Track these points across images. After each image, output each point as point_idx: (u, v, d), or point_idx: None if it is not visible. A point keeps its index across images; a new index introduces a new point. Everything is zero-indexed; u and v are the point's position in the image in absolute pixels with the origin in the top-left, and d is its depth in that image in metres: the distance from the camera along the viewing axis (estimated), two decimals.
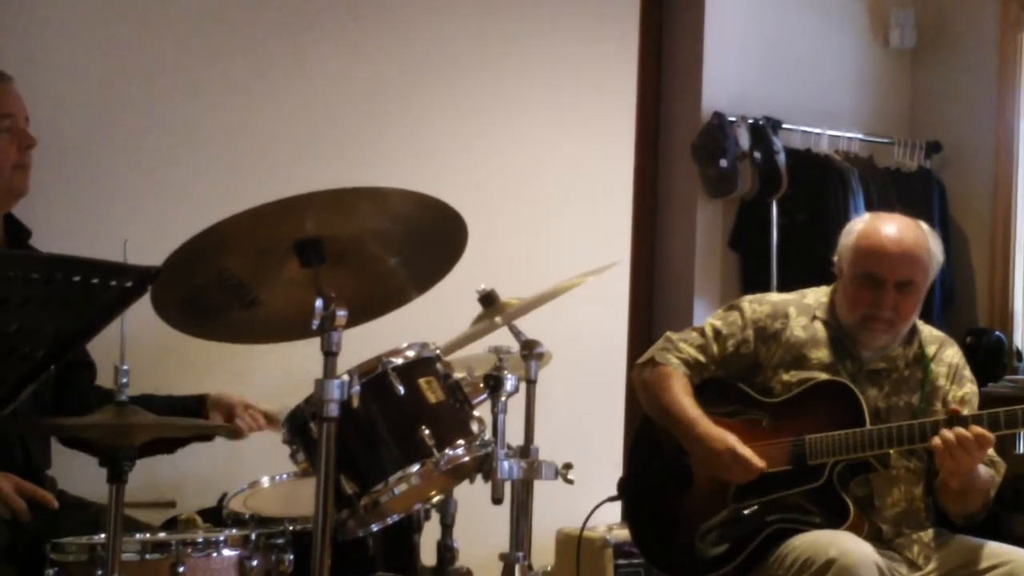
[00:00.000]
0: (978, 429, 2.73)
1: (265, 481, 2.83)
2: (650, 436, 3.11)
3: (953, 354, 3.08)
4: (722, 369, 3.09)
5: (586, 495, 3.29)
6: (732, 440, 2.89)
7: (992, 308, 5.04)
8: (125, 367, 2.17)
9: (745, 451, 2.87)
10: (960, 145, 5.19)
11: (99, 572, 2.21)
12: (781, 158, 4.77)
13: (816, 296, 3.12)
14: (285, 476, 2.84)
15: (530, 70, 4.38)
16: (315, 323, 2.20)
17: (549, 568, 3.90)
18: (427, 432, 2.45)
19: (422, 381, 2.53)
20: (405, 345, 2.56)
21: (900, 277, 2.94)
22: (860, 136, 5.08)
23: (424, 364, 2.56)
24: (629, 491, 3.20)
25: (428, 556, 2.90)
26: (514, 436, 2.64)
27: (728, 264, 4.88)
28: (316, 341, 2.24)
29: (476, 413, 2.60)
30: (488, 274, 2.87)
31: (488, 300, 2.86)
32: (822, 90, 5.12)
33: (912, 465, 2.97)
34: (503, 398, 2.64)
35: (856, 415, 2.88)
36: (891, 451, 2.86)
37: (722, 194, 4.79)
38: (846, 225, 3.12)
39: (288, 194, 2.21)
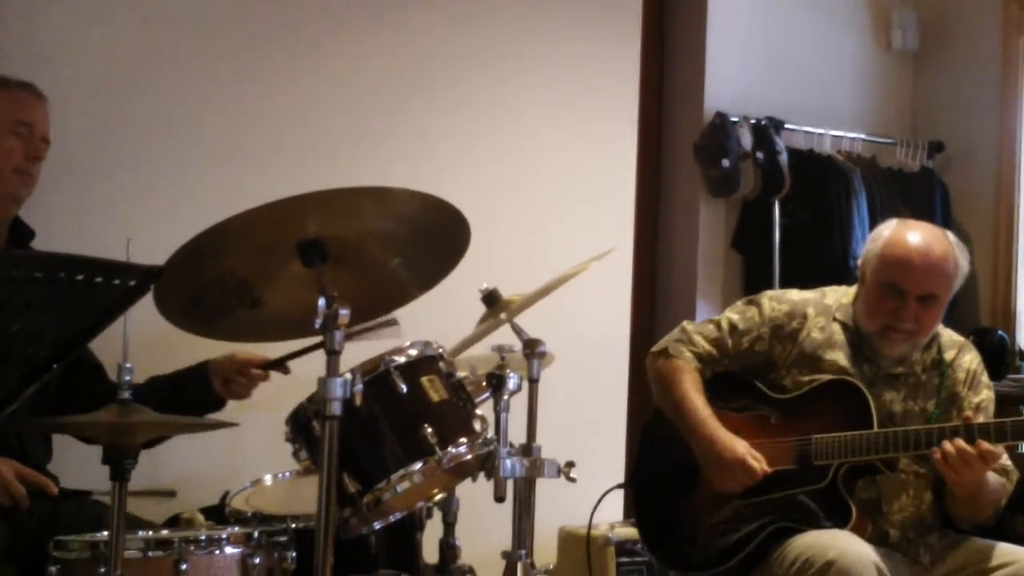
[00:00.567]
0: (985, 446, 2.70)
1: (268, 479, 2.84)
2: (661, 430, 3.09)
3: (971, 360, 3.03)
4: (736, 364, 3.07)
5: (588, 493, 3.30)
6: (741, 449, 2.88)
7: (995, 308, 5.04)
8: (128, 366, 2.18)
9: (752, 462, 2.86)
10: (963, 145, 5.20)
11: (102, 569, 2.21)
12: (783, 158, 4.77)
13: (836, 297, 3.08)
14: (288, 474, 2.85)
15: (532, 71, 4.38)
16: (318, 322, 2.20)
17: (551, 566, 3.92)
18: (429, 430, 2.45)
19: (424, 379, 2.53)
20: (408, 344, 2.56)
21: (924, 291, 2.89)
22: (863, 136, 5.08)
23: (426, 362, 2.56)
24: (638, 483, 3.19)
25: (430, 554, 2.90)
26: (516, 434, 2.65)
27: (730, 264, 4.88)
28: (319, 339, 2.24)
29: (479, 411, 2.61)
30: (490, 273, 2.86)
31: (491, 299, 2.86)
32: (825, 90, 5.12)
33: (923, 470, 2.93)
34: (506, 396, 2.64)
35: (864, 416, 2.86)
36: (897, 456, 2.84)
37: (724, 194, 4.79)
38: (873, 229, 3.07)
39: (291, 193, 2.21)
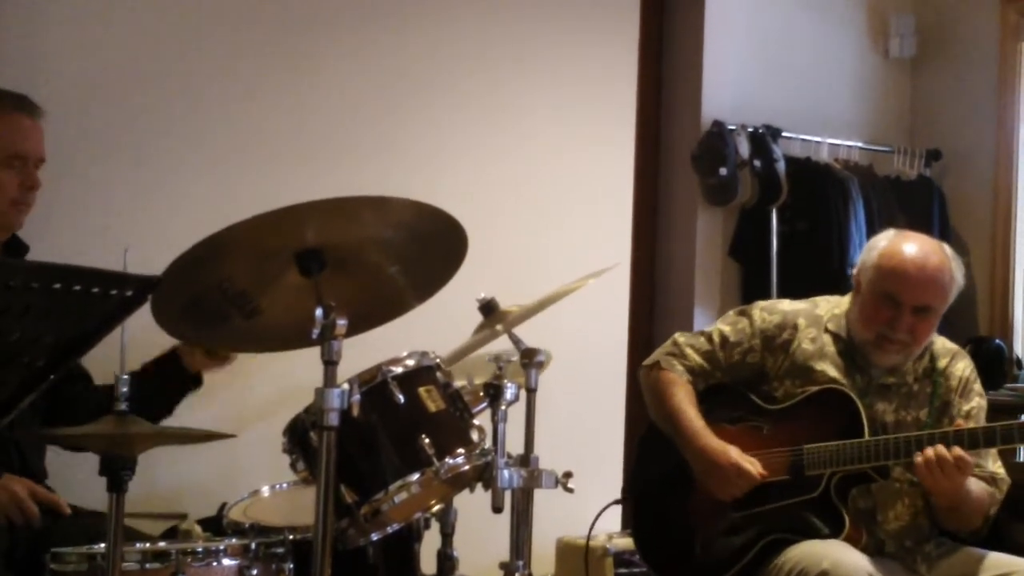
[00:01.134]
0: (958, 451, 2.70)
1: (265, 490, 2.83)
2: (656, 443, 3.10)
3: (964, 367, 3.03)
4: (729, 376, 3.08)
5: (586, 504, 3.29)
6: (734, 455, 2.88)
7: (992, 316, 5.04)
8: (125, 376, 2.17)
9: (747, 466, 2.86)
10: (960, 153, 5.20)
11: None
12: (781, 166, 4.77)
13: (828, 307, 3.08)
14: (285, 485, 2.83)
15: (530, 78, 4.39)
16: (315, 332, 2.20)
17: None
18: (427, 441, 2.44)
19: (422, 390, 2.53)
20: (405, 354, 2.55)
21: (919, 302, 2.89)
22: (860, 144, 5.09)
23: (424, 373, 2.56)
24: (635, 493, 3.19)
25: (428, 565, 2.89)
26: (514, 445, 2.64)
27: (728, 272, 4.88)
28: (316, 350, 2.23)
29: (476, 422, 2.60)
30: (488, 282, 2.86)
31: (488, 309, 2.85)
32: (822, 98, 5.12)
33: (916, 479, 2.90)
34: (503, 407, 2.63)
35: (856, 425, 2.86)
36: (888, 463, 2.84)
37: (722, 202, 4.79)
38: (870, 239, 3.08)
39: (289, 201, 2.20)
